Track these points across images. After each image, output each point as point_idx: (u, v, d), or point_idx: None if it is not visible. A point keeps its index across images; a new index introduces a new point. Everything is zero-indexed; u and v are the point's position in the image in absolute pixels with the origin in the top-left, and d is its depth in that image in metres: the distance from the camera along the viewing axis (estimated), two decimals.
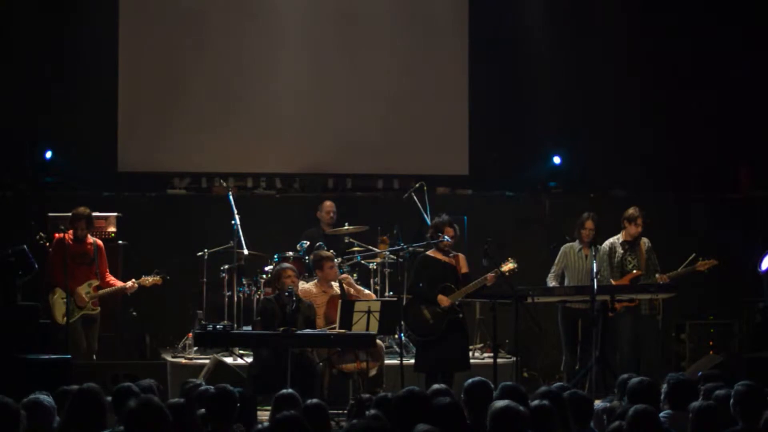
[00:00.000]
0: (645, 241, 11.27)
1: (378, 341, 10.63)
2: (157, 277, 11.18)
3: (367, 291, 11.46)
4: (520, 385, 6.32)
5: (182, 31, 13.84)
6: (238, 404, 6.34)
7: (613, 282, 11.09)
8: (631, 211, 11.23)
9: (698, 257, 11.17)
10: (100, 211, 11.90)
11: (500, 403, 5.54)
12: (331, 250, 11.57)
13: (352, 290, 11.13)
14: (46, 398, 5.92)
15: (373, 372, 10.56)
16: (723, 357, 11.23)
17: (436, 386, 6.55)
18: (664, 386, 6.79)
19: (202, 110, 13.80)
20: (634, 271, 11.13)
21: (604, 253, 11.30)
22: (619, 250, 11.24)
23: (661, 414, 6.58)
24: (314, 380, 10.05)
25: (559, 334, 11.45)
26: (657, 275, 11.06)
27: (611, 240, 11.29)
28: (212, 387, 6.58)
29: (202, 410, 6.24)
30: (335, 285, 11.04)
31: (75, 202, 11.62)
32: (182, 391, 7.35)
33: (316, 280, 11.13)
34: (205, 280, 12.22)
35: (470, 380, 6.54)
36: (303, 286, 10.92)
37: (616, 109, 14.13)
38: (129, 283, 11.14)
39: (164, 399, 6.35)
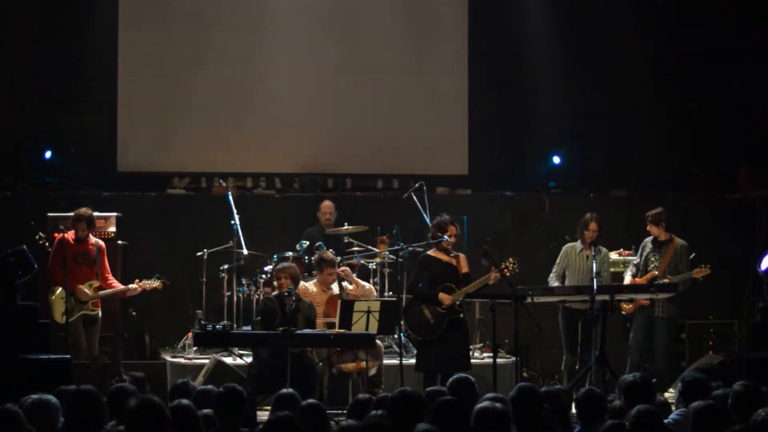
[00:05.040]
0: (678, 243, 11.22)
1: (377, 341, 10.63)
2: (158, 282, 11.16)
3: (365, 284, 11.45)
4: (535, 385, 6.29)
5: (182, 32, 13.84)
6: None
7: (636, 280, 11.14)
8: (650, 211, 11.28)
9: (698, 260, 11.19)
10: (100, 211, 11.90)
11: (482, 404, 5.53)
12: (330, 250, 11.57)
13: (351, 286, 11.14)
14: (52, 398, 5.92)
15: (372, 371, 10.56)
16: (722, 357, 11.23)
17: (434, 387, 6.56)
18: (679, 385, 6.78)
19: (202, 110, 13.80)
20: (654, 272, 11.14)
21: (606, 255, 11.34)
22: (647, 249, 11.28)
23: (676, 412, 6.58)
24: (313, 380, 10.05)
25: (558, 334, 11.46)
26: (669, 277, 11.06)
27: (647, 238, 11.33)
28: (217, 387, 6.55)
29: (206, 410, 6.21)
30: (334, 286, 11.05)
31: (75, 202, 11.64)
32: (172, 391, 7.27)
33: (315, 280, 11.14)
34: (204, 280, 12.21)
35: (453, 378, 6.56)
36: (302, 285, 10.91)
37: (616, 109, 14.13)
38: (132, 286, 11.14)
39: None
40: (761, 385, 6.59)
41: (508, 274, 10.22)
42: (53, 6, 13.48)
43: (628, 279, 11.35)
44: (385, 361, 10.96)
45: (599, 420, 6.25)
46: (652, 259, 11.26)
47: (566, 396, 6.63)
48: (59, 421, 5.84)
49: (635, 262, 11.42)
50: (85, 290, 10.90)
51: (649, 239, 11.35)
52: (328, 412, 6.31)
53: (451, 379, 6.57)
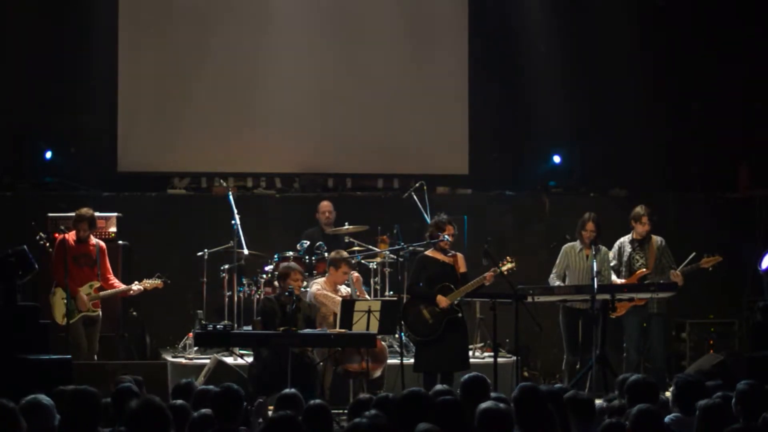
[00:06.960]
0: (657, 240, 11.27)
1: (381, 342, 10.62)
2: (159, 281, 11.16)
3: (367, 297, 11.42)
4: (537, 385, 6.27)
5: (182, 32, 13.83)
6: (245, 403, 6.32)
7: (622, 281, 11.12)
8: (637, 209, 11.28)
9: (698, 256, 11.19)
10: (100, 211, 11.89)
11: (486, 404, 5.53)
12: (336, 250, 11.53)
13: (346, 289, 11.12)
14: (44, 398, 5.91)
15: (377, 374, 10.54)
16: (723, 356, 11.23)
17: (438, 387, 6.54)
18: (672, 388, 6.77)
19: (203, 110, 13.79)
20: (643, 270, 11.14)
21: (606, 253, 11.33)
22: (627, 249, 11.27)
23: (670, 416, 6.56)
24: (314, 380, 10.04)
25: (559, 334, 11.46)
26: (672, 272, 11.04)
27: (621, 239, 11.34)
28: (216, 386, 6.55)
29: (205, 410, 6.21)
30: (343, 288, 11.01)
31: (75, 202, 11.63)
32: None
33: (323, 279, 11.05)
34: (205, 280, 12.20)
35: (466, 376, 6.54)
36: (317, 289, 10.86)
37: (616, 109, 14.12)
38: (133, 287, 11.12)
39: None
40: (764, 384, 6.58)
41: (506, 273, 10.21)
42: (53, 6, 13.47)
43: (615, 280, 11.28)
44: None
45: (588, 422, 6.24)
46: (638, 257, 11.26)
47: None
48: (55, 419, 5.83)
49: (611, 265, 11.36)
50: (84, 299, 10.88)
51: (625, 239, 11.33)
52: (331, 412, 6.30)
53: (465, 378, 6.54)
